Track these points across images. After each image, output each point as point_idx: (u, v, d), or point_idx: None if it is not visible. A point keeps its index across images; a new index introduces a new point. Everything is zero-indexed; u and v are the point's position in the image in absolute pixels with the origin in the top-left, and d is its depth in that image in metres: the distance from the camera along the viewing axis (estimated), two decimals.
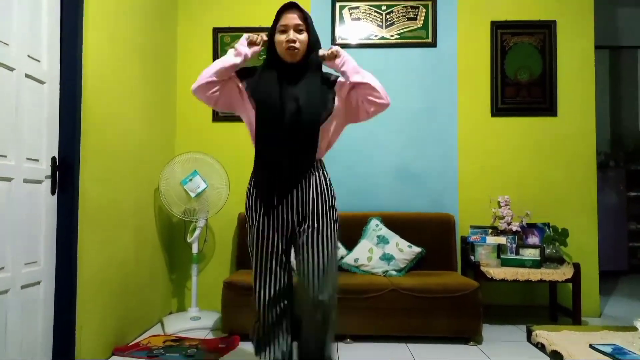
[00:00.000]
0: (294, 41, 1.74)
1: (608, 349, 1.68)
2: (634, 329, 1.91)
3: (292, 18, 1.76)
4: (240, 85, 1.87)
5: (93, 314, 2.43)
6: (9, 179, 1.92)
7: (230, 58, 1.82)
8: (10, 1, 1.93)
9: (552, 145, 3.67)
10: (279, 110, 1.73)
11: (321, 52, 1.79)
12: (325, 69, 1.86)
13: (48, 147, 2.17)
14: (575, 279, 3.13)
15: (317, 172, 1.84)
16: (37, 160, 2.10)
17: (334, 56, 1.78)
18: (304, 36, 1.77)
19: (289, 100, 1.73)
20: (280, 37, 1.77)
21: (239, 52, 1.83)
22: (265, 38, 1.86)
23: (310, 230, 1.78)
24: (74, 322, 2.26)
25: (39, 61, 2.11)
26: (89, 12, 2.36)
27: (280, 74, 1.78)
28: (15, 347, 1.94)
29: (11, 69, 1.92)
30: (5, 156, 1.90)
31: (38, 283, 2.11)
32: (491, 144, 3.69)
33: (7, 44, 1.91)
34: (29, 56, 2.03)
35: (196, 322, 3.20)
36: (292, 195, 1.78)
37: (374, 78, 1.80)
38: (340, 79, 1.85)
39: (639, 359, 1.58)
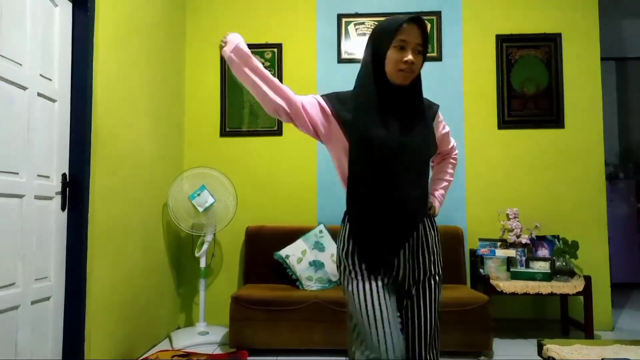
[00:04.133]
0: (412, 63, 1.38)
1: None
2: None
3: (415, 35, 1.38)
4: (326, 106, 1.47)
5: (102, 329, 2.44)
6: (20, 196, 1.95)
7: (234, 64, 1.44)
8: (24, 22, 1.98)
9: (559, 157, 3.65)
10: (389, 149, 1.39)
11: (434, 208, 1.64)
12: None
13: (59, 164, 2.21)
14: (587, 291, 3.10)
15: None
16: (47, 177, 2.14)
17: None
18: (420, 59, 1.42)
19: (397, 136, 1.40)
20: (394, 55, 1.38)
21: (230, 48, 1.44)
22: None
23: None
24: (83, 337, 2.27)
25: (50, 80, 2.16)
26: (99, 31, 2.42)
27: (384, 98, 1.42)
28: None
29: (24, 88, 1.97)
30: (17, 173, 1.93)
31: (48, 299, 2.12)
32: (498, 156, 3.68)
33: (21, 64, 1.95)
34: (41, 75, 2.08)
35: (204, 337, 3.20)
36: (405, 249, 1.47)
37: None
38: (440, 111, 1.57)
39: None
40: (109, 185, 2.52)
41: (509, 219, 3.51)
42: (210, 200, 3.22)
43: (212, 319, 3.50)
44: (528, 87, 3.70)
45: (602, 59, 3.70)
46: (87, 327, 2.29)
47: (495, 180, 3.66)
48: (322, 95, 1.49)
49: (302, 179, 3.72)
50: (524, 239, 3.39)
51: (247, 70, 1.43)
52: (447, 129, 1.61)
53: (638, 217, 5.31)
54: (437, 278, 1.51)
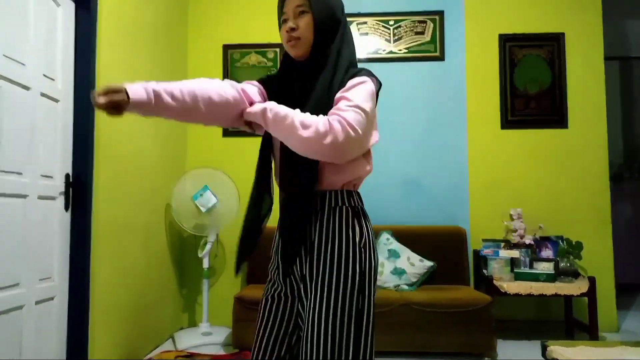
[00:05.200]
0: (293, 29, 1.25)
1: None
2: None
3: (293, 1, 1.28)
4: (262, 87, 1.37)
5: (105, 329, 2.44)
6: (24, 196, 1.95)
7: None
8: (27, 22, 1.98)
9: (563, 157, 3.64)
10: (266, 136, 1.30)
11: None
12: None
13: (62, 164, 2.21)
14: (591, 293, 3.08)
15: (326, 210, 1.25)
16: (51, 177, 2.14)
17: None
18: (305, 20, 1.25)
19: None
20: (282, 31, 1.30)
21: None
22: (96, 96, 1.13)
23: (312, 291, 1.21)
24: (87, 337, 2.27)
25: (53, 80, 2.16)
26: (102, 31, 2.42)
27: (289, 78, 1.32)
28: None
29: (27, 88, 1.97)
30: (21, 173, 1.94)
31: (52, 299, 2.13)
32: (502, 156, 3.67)
33: (24, 64, 1.95)
34: (44, 75, 2.08)
35: (207, 337, 3.20)
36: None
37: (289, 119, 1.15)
38: (356, 80, 1.22)
39: None
40: (112, 185, 2.52)
41: (512, 220, 3.49)
42: (213, 200, 3.22)
43: (215, 319, 3.50)
44: (531, 87, 3.69)
45: (605, 58, 3.69)
46: (90, 327, 2.29)
47: (498, 180, 3.65)
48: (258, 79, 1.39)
49: None
50: (528, 240, 3.38)
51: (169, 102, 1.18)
52: (348, 92, 1.19)
53: None
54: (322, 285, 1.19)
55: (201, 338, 3.18)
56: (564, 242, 3.38)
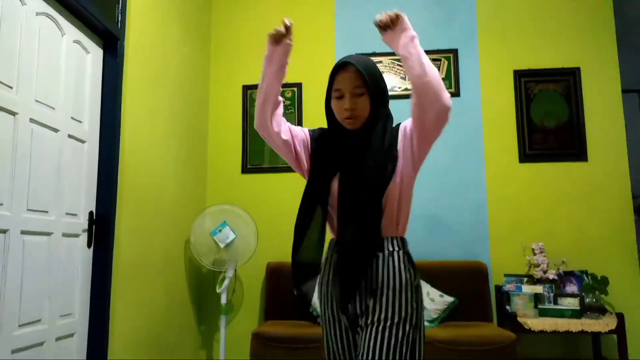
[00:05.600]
0: (352, 109, 1.40)
1: None
2: None
3: (349, 80, 1.41)
4: (307, 136, 1.58)
5: None
6: (48, 234, 2.01)
7: (265, 65, 1.63)
8: (58, 68, 2.10)
9: (584, 191, 3.58)
10: (327, 188, 1.47)
11: (377, 17, 1.38)
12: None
13: (86, 202, 2.28)
14: (620, 329, 2.96)
15: (386, 254, 1.42)
16: (75, 214, 2.21)
17: (392, 22, 1.36)
18: (363, 100, 1.41)
19: (341, 182, 1.44)
20: (336, 105, 1.45)
21: (269, 55, 1.63)
22: (287, 22, 1.55)
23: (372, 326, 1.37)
24: None
25: (80, 122, 2.26)
26: (128, 75, 2.54)
27: (341, 142, 1.48)
28: None
29: (56, 130, 2.07)
30: (47, 212, 2.01)
31: (72, 335, 2.15)
32: (521, 190, 3.63)
33: (54, 108, 2.06)
34: (72, 118, 2.19)
35: None
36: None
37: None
38: (404, 124, 1.47)
39: None
40: (133, 223, 2.58)
41: (534, 254, 3.42)
42: (232, 236, 3.26)
43: (233, 355, 3.47)
44: (548, 121, 3.68)
45: (623, 91, 3.68)
46: None
47: (519, 215, 3.60)
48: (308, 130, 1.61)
49: None
50: (551, 275, 3.29)
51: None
52: (408, 124, 1.46)
53: None
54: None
55: None
56: (589, 277, 3.29)
